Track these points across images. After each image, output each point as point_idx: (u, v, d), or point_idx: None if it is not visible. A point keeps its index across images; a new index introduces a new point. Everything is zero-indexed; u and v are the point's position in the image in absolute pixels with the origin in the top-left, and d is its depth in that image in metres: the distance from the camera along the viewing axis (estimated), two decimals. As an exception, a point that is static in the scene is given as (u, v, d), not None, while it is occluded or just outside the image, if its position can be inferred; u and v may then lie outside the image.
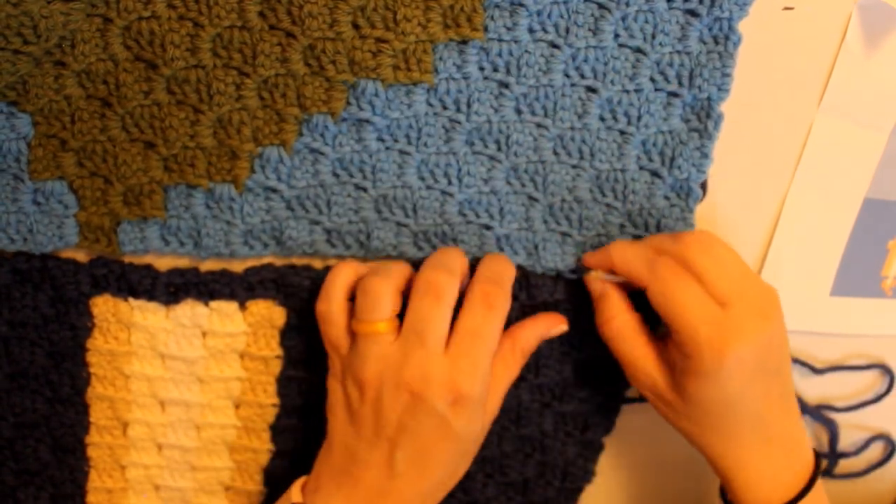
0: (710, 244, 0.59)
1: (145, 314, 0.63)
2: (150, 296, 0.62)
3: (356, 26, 0.55)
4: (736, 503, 0.62)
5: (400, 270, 0.60)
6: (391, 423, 0.58)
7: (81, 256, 0.61)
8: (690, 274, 0.58)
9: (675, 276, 0.58)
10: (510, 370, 0.62)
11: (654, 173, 0.62)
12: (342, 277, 0.61)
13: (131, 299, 0.62)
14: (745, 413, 0.59)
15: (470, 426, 0.58)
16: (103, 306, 0.62)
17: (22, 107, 0.54)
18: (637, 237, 0.64)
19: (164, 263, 0.62)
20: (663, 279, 0.58)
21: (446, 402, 0.57)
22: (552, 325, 0.64)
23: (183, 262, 0.62)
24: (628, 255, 0.61)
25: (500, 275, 0.60)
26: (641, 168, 0.62)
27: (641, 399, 0.69)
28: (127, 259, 0.61)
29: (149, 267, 0.61)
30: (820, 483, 0.62)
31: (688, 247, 0.59)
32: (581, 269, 0.64)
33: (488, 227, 0.63)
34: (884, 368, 0.77)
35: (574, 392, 0.70)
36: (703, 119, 0.60)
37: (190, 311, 0.63)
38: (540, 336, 0.63)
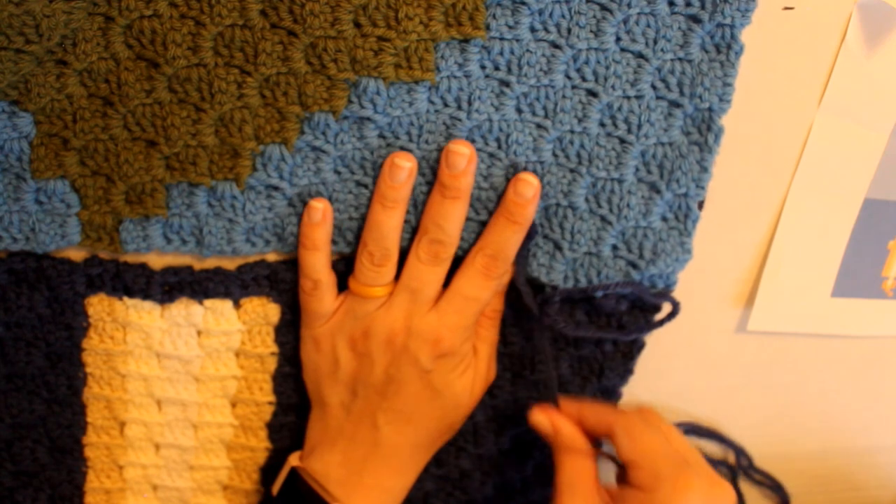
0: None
1: (140, 313, 0.62)
2: (145, 294, 0.62)
3: (358, 25, 0.55)
4: None
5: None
6: (378, 376, 0.61)
7: (81, 255, 0.60)
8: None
9: (643, 421, 0.61)
10: (490, 331, 0.66)
11: (652, 186, 0.61)
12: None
13: (126, 298, 0.62)
14: None
15: (451, 378, 0.62)
16: (98, 306, 0.62)
17: (24, 106, 0.54)
18: (630, 262, 0.63)
19: (159, 261, 0.62)
20: (632, 422, 0.60)
21: (430, 356, 0.61)
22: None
23: (180, 260, 0.62)
24: (585, 412, 0.63)
25: (504, 247, 0.61)
26: (640, 181, 0.61)
27: None
28: (121, 258, 0.61)
29: (143, 266, 0.61)
30: None
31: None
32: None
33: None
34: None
35: (570, 389, 0.70)
36: (704, 132, 0.60)
37: (184, 309, 0.63)
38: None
